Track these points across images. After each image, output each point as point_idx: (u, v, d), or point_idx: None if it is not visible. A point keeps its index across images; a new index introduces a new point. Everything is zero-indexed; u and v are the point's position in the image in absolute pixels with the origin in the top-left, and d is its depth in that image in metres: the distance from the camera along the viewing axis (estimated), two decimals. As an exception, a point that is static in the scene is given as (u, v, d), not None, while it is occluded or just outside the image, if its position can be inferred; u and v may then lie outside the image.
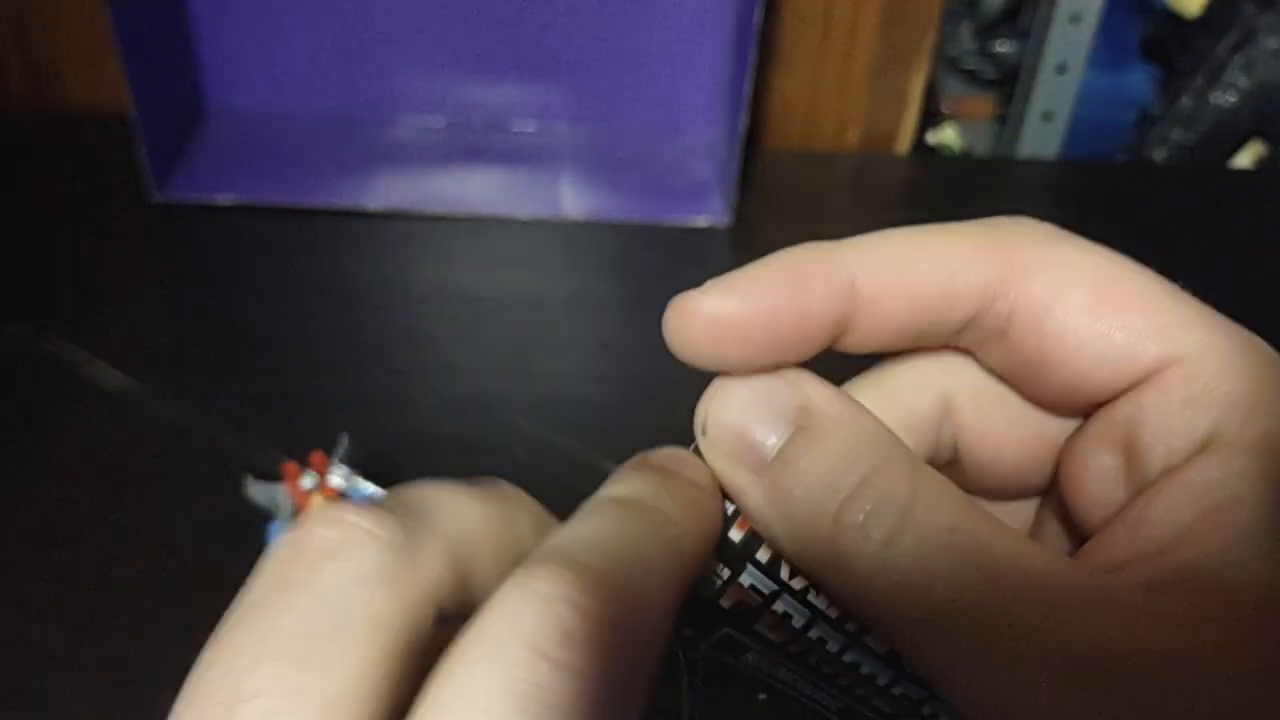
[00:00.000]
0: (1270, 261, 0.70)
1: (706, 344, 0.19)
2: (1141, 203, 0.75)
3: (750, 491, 0.19)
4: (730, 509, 0.20)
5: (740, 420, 0.19)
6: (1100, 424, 0.20)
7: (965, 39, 0.86)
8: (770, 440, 0.19)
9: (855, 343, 0.20)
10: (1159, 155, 0.86)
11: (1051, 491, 0.22)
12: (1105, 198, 0.76)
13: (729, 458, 0.19)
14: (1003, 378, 0.21)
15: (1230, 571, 0.17)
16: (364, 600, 0.16)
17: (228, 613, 0.16)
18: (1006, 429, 0.21)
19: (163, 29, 0.69)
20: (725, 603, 0.20)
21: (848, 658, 0.20)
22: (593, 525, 0.18)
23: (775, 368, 0.19)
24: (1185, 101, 0.84)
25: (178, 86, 0.72)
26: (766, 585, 0.20)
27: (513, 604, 0.16)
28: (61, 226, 0.66)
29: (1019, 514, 0.23)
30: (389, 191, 0.69)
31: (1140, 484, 0.19)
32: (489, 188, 0.70)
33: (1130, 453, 0.19)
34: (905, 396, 0.22)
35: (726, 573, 0.20)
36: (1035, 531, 0.22)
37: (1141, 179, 0.82)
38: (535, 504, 0.20)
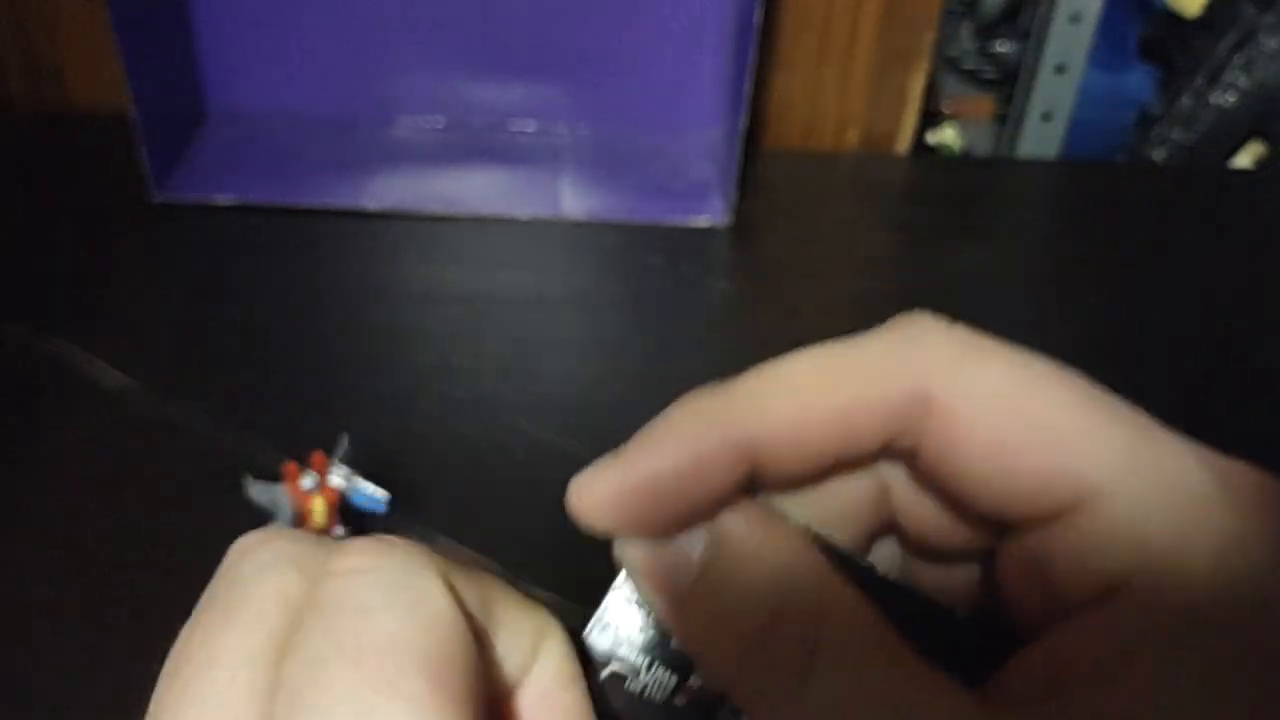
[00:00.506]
0: (1270, 262, 0.70)
1: (609, 520, 0.19)
2: (1141, 203, 0.75)
3: (670, 620, 0.20)
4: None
5: (651, 558, 0.20)
6: (1017, 548, 0.20)
7: (965, 39, 0.86)
8: (684, 574, 0.19)
9: (769, 486, 0.20)
10: (1159, 155, 0.86)
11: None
12: (1105, 198, 0.76)
13: (648, 587, 0.20)
14: (923, 487, 0.21)
15: None
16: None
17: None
18: (937, 519, 0.21)
19: (163, 29, 0.69)
20: (679, 701, 0.21)
21: None
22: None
23: (685, 528, 0.19)
24: (1185, 102, 0.84)
25: (178, 87, 0.72)
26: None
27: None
28: (61, 226, 0.66)
29: (967, 571, 0.22)
30: (389, 191, 0.69)
31: (1056, 610, 0.18)
32: (488, 188, 0.70)
33: (1045, 582, 0.19)
34: (842, 489, 0.21)
35: (674, 679, 0.21)
36: (983, 586, 0.22)
37: (1141, 179, 0.82)
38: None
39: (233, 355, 0.58)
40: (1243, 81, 0.83)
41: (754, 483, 0.20)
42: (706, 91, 0.75)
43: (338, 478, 0.44)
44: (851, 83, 0.78)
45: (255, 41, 0.73)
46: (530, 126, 0.76)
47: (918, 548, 0.22)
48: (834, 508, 0.21)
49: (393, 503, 0.44)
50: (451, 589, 0.18)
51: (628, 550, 0.20)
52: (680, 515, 0.19)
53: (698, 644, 0.19)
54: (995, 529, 0.20)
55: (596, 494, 0.19)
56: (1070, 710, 0.17)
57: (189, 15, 0.72)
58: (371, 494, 0.44)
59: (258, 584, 0.18)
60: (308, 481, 0.43)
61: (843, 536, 0.21)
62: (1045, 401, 0.19)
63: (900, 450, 0.20)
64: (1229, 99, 0.84)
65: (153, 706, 0.17)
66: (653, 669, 0.21)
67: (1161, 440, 0.19)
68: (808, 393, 0.19)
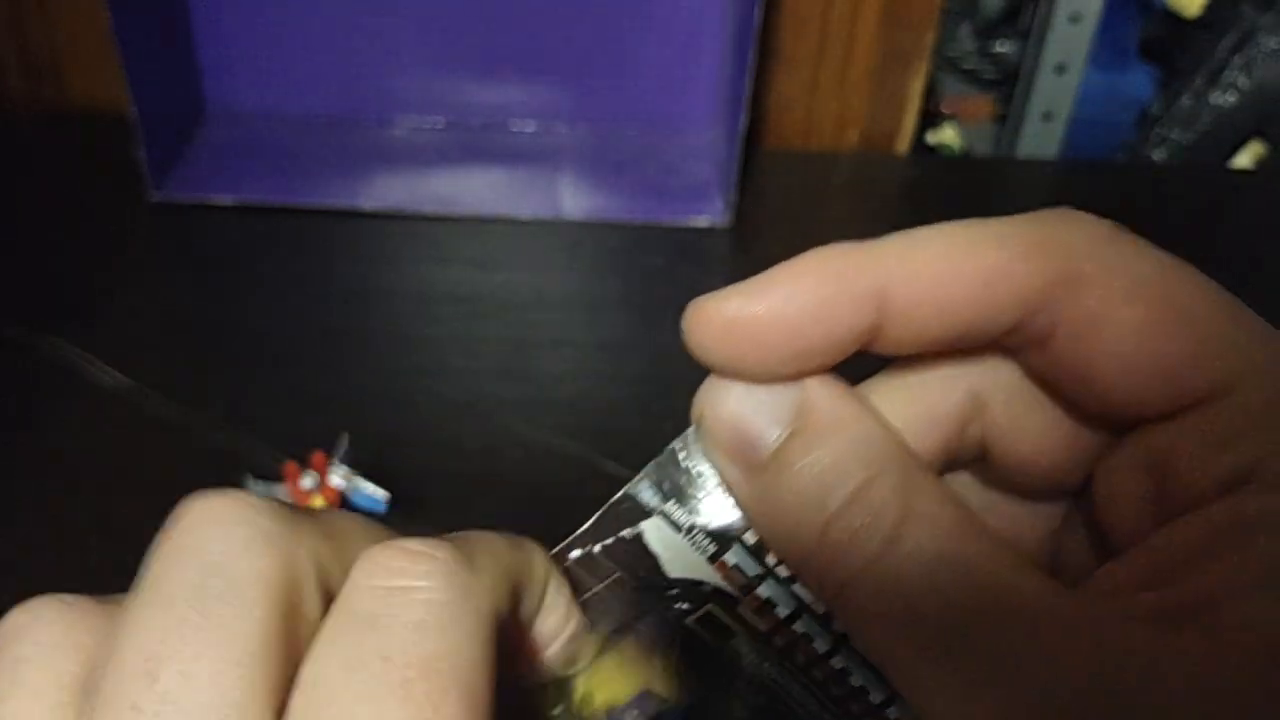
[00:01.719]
0: (1270, 261, 0.70)
1: (725, 349, 0.19)
2: (1141, 203, 0.75)
3: (741, 489, 0.19)
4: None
5: (736, 416, 0.19)
6: (1137, 446, 0.19)
7: (965, 39, 0.86)
8: (767, 438, 0.18)
9: (884, 347, 0.19)
10: (1158, 155, 0.86)
11: (1083, 495, 0.21)
12: (1105, 198, 0.76)
13: (723, 452, 0.19)
14: (1041, 384, 0.20)
15: (1241, 613, 0.16)
16: (248, 561, 0.17)
17: (134, 586, 0.17)
18: (1039, 435, 0.20)
19: (162, 29, 0.69)
20: (711, 577, 0.20)
21: (836, 663, 0.20)
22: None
23: (798, 375, 0.19)
24: (1185, 102, 0.84)
25: (177, 86, 0.72)
26: (751, 567, 0.20)
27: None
28: (60, 226, 0.66)
29: (1049, 511, 0.22)
30: (388, 191, 0.69)
31: (1170, 513, 0.18)
32: (488, 188, 0.71)
33: (1163, 480, 0.18)
34: (929, 392, 0.21)
35: (713, 548, 0.20)
36: (1063, 531, 0.22)
37: (1141, 179, 0.82)
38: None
39: (232, 355, 0.58)
40: (1242, 81, 0.83)
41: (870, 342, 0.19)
42: (706, 92, 0.75)
43: (338, 477, 0.44)
44: (851, 83, 0.78)
45: (253, 42, 0.73)
46: (530, 127, 0.76)
47: (1005, 476, 0.21)
48: (919, 413, 0.20)
49: (392, 502, 0.44)
50: (492, 593, 0.18)
51: (718, 393, 0.19)
52: (793, 359, 0.18)
53: (770, 507, 0.19)
54: (1115, 429, 0.20)
55: (714, 320, 0.19)
56: (1170, 593, 0.16)
57: (188, 15, 0.72)
58: (371, 493, 0.44)
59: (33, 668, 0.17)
60: (308, 481, 0.44)
61: (920, 447, 0.20)
62: (1191, 292, 0.18)
63: (1033, 333, 0.19)
64: (1229, 99, 0.84)
65: None
66: (692, 533, 0.20)
67: None
68: (953, 252, 0.19)
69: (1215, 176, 0.83)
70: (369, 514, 0.45)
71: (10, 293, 0.61)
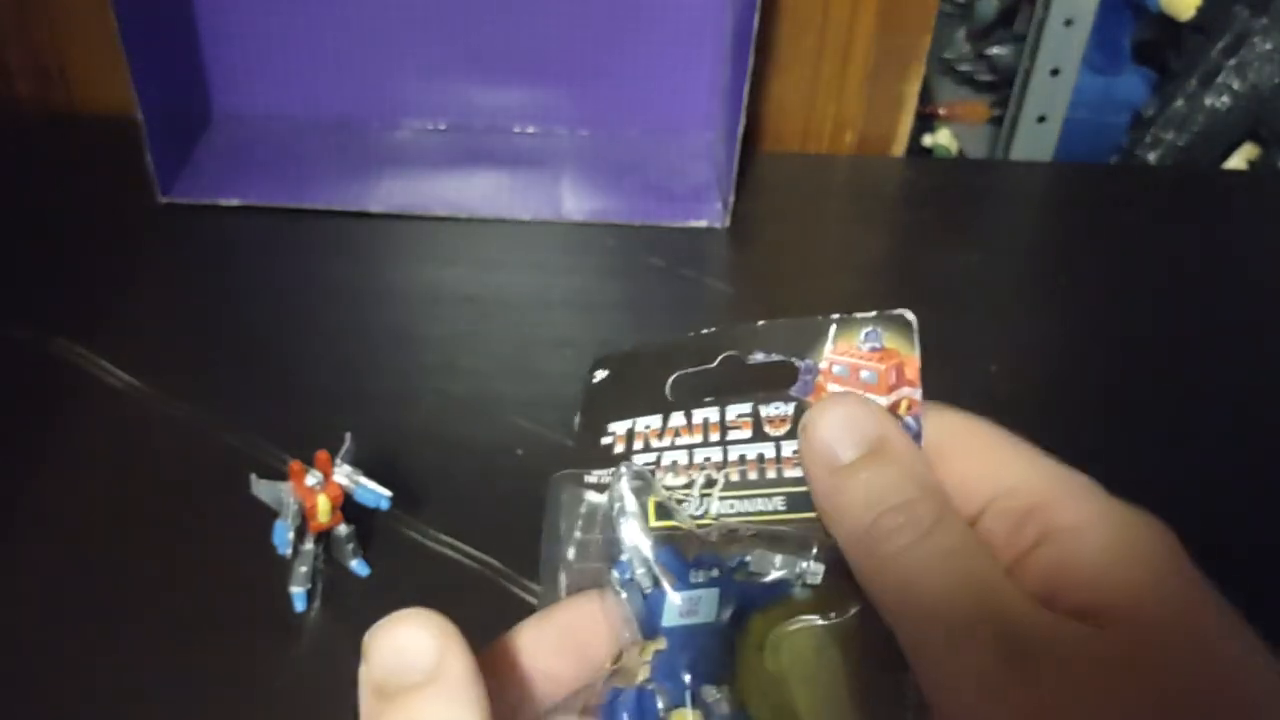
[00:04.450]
0: (1263, 264, 0.71)
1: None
2: (1135, 205, 0.76)
3: (819, 483, 0.25)
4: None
5: (824, 439, 0.25)
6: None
7: (960, 42, 0.87)
8: (844, 456, 0.25)
9: None
10: (1152, 157, 0.86)
11: None
12: (1099, 200, 0.76)
13: (811, 455, 0.25)
14: None
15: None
16: None
17: None
18: None
19: (169, 33, 0.70)
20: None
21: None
22: None
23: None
24: (1178, 104, 0.85)
25: (184, 90, 0.72)
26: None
27: None
28: (68, 228, 0.67)
29: None
30: (391, 194, 0.70)
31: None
32: (490, 190, 0.71)
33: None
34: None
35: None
36: None
37: (1135, 181, 0.82)
38: None
39: (238, 355, 0.59)
40: (1236, 84, 0.84)
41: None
42: (705, 95, 0.76)
43: (342, 476, 0.45)
44: (848, 86, 0.79)
45: (260, 45, 0.74)
46: (531, 129, 0.77)
47: None
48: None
49: (394, 500, 0.45)
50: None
51: (816, 417, 0.25)
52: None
53: (836, 498, 0.25)
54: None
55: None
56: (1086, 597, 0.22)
57: (195, 19, 0.73)
58: (375, 491, 0.45)
59: None
60: (312, 479, 0.44)
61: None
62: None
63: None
64: (1222, 101, 0.85)
65: None
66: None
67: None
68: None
69: (1209, 178, 0.84)
70: (373, 511, 0.46)
71: (19, 294, 0.61)
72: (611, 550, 0.26)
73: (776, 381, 0.27)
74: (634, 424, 0.27)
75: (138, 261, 0.66)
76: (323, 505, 0.44)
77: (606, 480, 0.27)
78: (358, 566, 0.47)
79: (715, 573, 0.26)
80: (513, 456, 0.52)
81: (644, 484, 0.26)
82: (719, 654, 0.25)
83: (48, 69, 0.76)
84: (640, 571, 0.25)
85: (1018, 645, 0.21)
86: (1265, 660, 0.21)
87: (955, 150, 0.89)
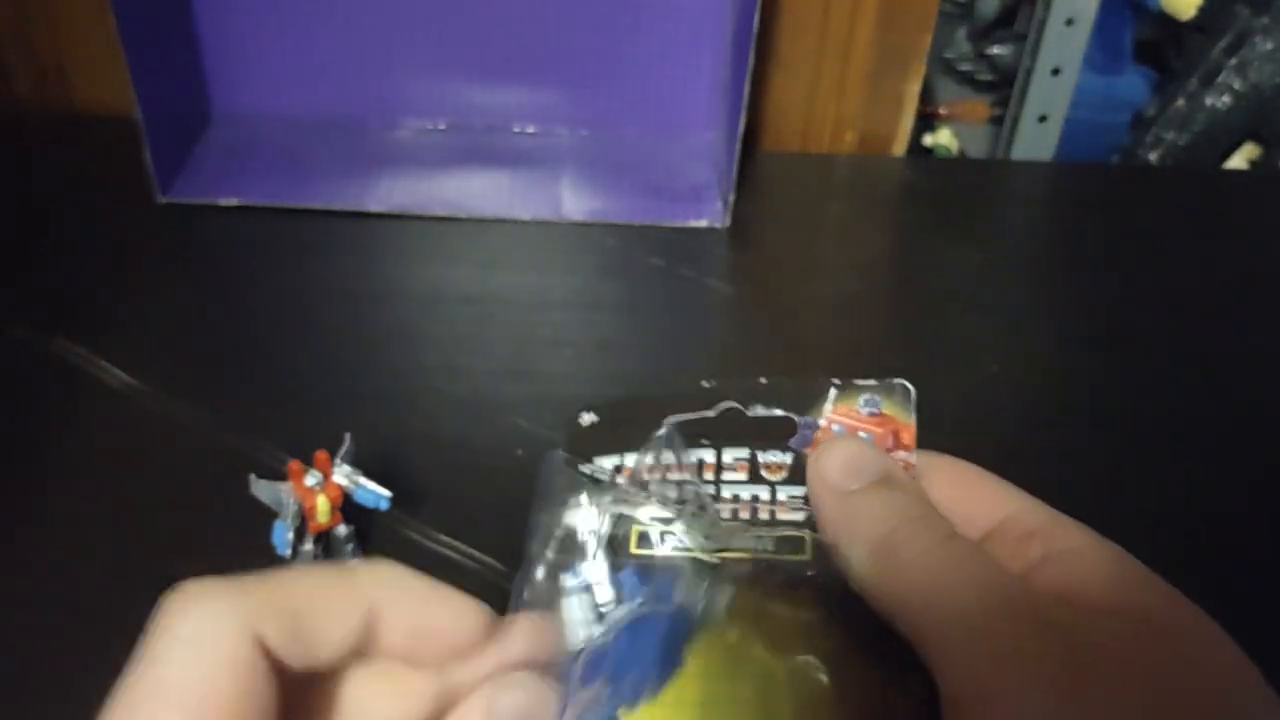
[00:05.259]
0: (1264, 263, 0.71)
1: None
2: (1136, 205, 0.76)
3: (827, 511, 0.27)
4: None
5: (840, 465, 0.27)
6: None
7: (961, 42, 0.87)
8: (848, 486, 0.27)
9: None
10: (1153, 157, 0.86)
11: None
12: (1100, 200, 0.76)
13: (821, 485, 0.27)
14: None
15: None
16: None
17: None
18: None
19: (168, 32, 0.70)
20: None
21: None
22: None
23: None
24: (1180, 104, 0.85)
25: (183, 89, 0.72)
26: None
27: None
28: (67, 227, 0.67)
29: None
30: (391, 193, 0.70)
31: None
32: (490, 190, 0.71)
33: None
34: None
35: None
36: None
37: (1136, 181, 0.82)
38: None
39: (237, 355, 0.59)
40: (1237, 83, 0.84)
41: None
42: (705, 94, 0.76)
43: (341, 476, 0.45)
44: (848, 85, 0.78)
45: (260, 45, 0.74)
46: (531, 129, 0.77)
47: None
48: None
49: (394, 500, 0.45)
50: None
51: (822, 456, 0.28)
52: None
53: (846, 523, 0.27)
54: None
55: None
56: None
57: (194, 18, 0.73)
58: (375, 492, 0.45)
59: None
60: (311, 480, 0.44)
61: None
62: None
63: None
64: (1223, 101, 0.84)
65: None
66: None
67: None
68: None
69: (1210, 178, 0.84)
70: (373, 511, 0.46)
71: (18, 294, 0.61)
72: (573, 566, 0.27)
73: (775, 434, 0.28)
74: (622, 459, 0.28)
75: (137, 261, 0.66)
76: (322, 506, 0.44)
77: (601, 475, 0.27)
78: (357, 567, 0.47)
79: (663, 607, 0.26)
80: (513, 457, 0.52)
81: (629, 505, 0.27)
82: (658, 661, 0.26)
83: (47, 69, 0.76)
84: (596, 587, 0.27)
85: (1056, 628, 0.23)
86: (1250, 663, 0.23)
87: (956, 150, 0.88)
